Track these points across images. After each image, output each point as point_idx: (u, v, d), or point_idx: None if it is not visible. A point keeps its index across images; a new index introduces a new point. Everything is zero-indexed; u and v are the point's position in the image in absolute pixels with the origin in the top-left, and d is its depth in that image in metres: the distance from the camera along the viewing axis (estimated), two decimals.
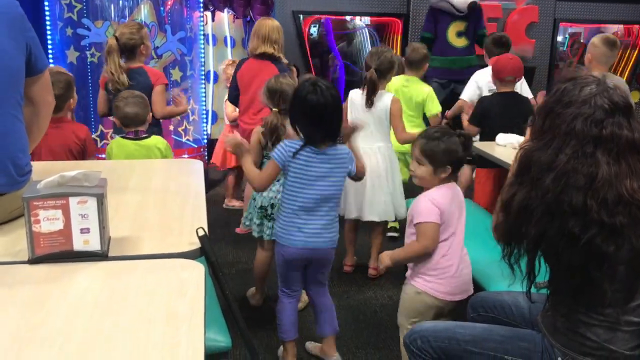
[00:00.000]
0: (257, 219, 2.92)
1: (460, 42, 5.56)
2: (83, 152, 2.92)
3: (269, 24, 3.71)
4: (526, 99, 3.91)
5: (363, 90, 3.36)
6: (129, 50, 3.45)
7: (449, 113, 4.38)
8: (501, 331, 1.81)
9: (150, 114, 3.02)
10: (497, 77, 3.75)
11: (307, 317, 2.95)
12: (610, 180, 1.42)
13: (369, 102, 3.32)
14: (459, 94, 5.24)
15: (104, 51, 3.51)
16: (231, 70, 4.54)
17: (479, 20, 5.68)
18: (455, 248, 2.32)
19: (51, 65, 3.83)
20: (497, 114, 3.65)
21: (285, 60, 3.84)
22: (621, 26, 7.36)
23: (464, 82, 5.29)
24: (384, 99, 3.36)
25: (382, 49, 3.39)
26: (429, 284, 2.30)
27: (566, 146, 1.45)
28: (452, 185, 2.34)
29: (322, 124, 2.28)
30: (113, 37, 3.44)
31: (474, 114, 3.78)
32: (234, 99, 3.97)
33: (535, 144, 1.53)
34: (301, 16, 6.45)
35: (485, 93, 4.15)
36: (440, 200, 2.26)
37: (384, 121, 3.39)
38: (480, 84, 4.21)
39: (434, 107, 3.87)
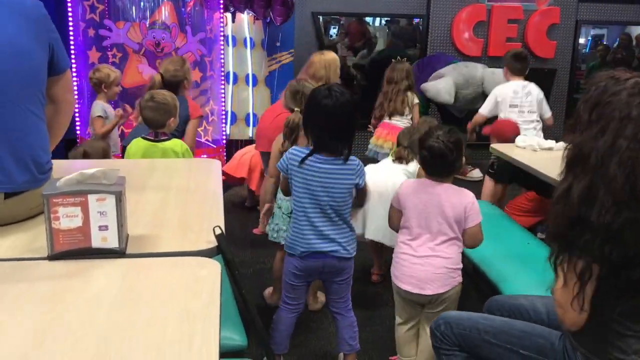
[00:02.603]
0: (284, 225, 2.89)
1: None
2: None
3: (317, 61, 3.67)
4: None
5: None
6: (173, 86, 3.57)
7: (469, 133, 4.47)
8: (520, 326, 1.83)
9: (172, 119, 3.05)
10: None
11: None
12: None
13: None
14: None
15: (147, 85, 3.63)
16: None
17: None
18: (413, 238, 2.39)
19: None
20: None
21: None
22: None
23: None
24: None
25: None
26: (392, 266, 2.49)
27: (624, 130, 1.41)
28: (422, 181, 2.44)
29: (334, 130, 2.24)
30: (159, 74, 3.58)
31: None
32: None
33: (586, 135, 1.47)
34: (321, 17, 6.47)
35: (504, 108, 4.17)
36: (403, 186, 2.47)
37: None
38: (499, 99, 4.24)
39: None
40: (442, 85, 5.34)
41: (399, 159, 3.20)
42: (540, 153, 3.30)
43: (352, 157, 2.32)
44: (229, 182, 4.88)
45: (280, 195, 2.88)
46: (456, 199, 2.35)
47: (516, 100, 4.16)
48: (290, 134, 2.73)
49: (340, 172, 2.28)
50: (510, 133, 3.77)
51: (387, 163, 3.29)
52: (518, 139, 3.48)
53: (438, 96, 5.35)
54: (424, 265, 2.33)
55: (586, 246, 1.45)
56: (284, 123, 2.78)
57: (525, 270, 2.78)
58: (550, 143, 3.36)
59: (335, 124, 2.24)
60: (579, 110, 1.53)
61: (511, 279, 2.76)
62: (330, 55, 3.69)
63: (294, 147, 2.37)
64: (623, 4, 6.88)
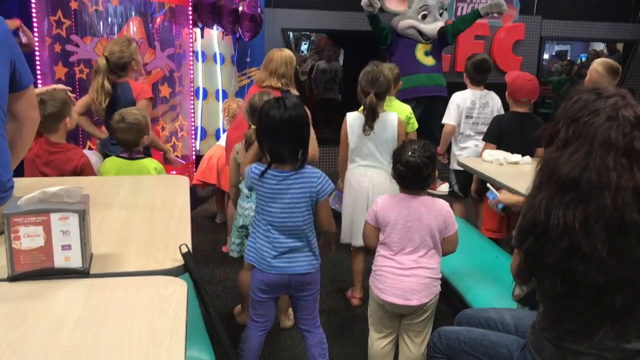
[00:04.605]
0: (238, 239, 2.89)
1: (429, 61, 5.56)
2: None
3: (277, 57, 3.63)
4: (540, 120, 3.79)
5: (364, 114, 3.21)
6: (120, 68, 3.44)
7: (441, 148, 4.23)
8: (492, 337, 1.90)
9: (146, 136, 2.99)
10: (512, 97, 3.69)
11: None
12: None
13: (369, 127, 3.20)
14: (432, 116, 5.27)
15: (92, 69, 3.49)
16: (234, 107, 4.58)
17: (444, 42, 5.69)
18: (395, 253, 2.39)
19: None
20: (514, 134, 3.62)
21: (295, 92, 3.77)
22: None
23: (434, 100, 5.35)
24: (389, 120, 3.25)
25: (376, 70, 3.21)
26: (371, 279, 2.47)
27: (608, 158, 1.39)
28: (398, 196, 2.44)
29: (284, 141, 2.23)
30: (103, 57, 3.42)
31: (490, 132, 3.73)
32: None
33: (566, 155, 1.45)
34: (290, 33, 6.51)
35: (464, 115, 4.10)
36: (379, 204, 2.44)
37: (390, 143, 3.21)
38: (461, 106, 4.10)
39: (414, 125, 3.85)
40: None
41: (371, 110, 3.15)
42: (507, 167, 3.35)
43: (314, 169, 2.30)
44: (203, 188, 4.90)
45: (238, 207, 2.87)
46: (436, 210, 2.38)
47: (472, 111, 4.09)
48: (248, 150, 2.72)
49: (297, 183, 2.25)
50: (522, 95, 3.64)
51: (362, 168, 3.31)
52: (485, 154, 3.51)
53: None
54: (409, 277, 2.35)
55: (564, 267, 1.44)
56: (243, 139, 2.77)
57: (494, 283, 2.81)
58: (517, 157, 3.41)
59: (285, 135, 2.22)
60: (557, 120, 1.52)
61: (480, 291, 2.79)
62: (289, 52, 3.68)
63: (254, 164, 2.35)
64: (585, 21, 7.09)
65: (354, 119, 3.30)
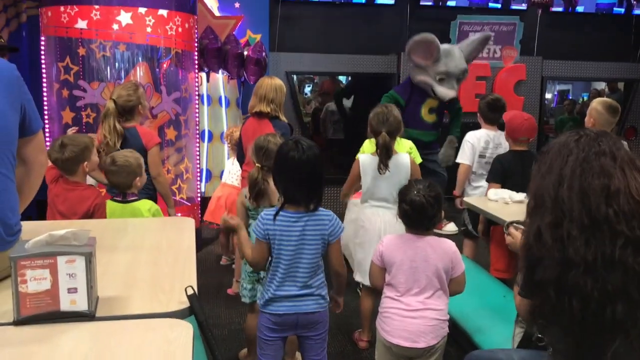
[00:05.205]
0: (249, 284, 2.87)
1: (430, 118, 5.61)
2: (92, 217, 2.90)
3: (267, 84, 3.72)
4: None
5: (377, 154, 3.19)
6: (127, 112, 3.51)
7: (457, 189, 4.27)
8: None
9: (138, 178, 3.01)
10: (511, 136, 3.74)
11: None
12: (625, 190, 1.40)
13: (384, 165, 3.18)
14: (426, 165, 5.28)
15: (101, 113, 3.55)
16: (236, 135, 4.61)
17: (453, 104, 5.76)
18: (401, 294, 2.37)
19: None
20: (516, 172, 3.62)
21: (284, 119, 3.85)
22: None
23: (429, 154, 5.43)
24: (402, 162, 3.24)
25: (386, 111, 3.24)
26: (378, 321, 2.44)
27: (566, 161, 1.46)
28: (404, 236, 2.44)
29: (301, 182, 2.25)
30: (111, 101, 3.49)
31: (494, 172, 3.75)
32: (239, 152, 4.01)
33: (537, 179, 1.54)
34: (295, 76, 6.61)
35: (477, 154, 4.13)
36: (385, 243, 2.44)
37: (404, 182, 3.11)
38: (475, 146, 4.15)
39: (417, 159, 3.84)
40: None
41: (385, 148, 3.13)
42: (512, 206, 3.35)
43: (327, 211, 2.31)
44: (213, 228, 4.99)
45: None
46: (442, 250, 2.37)
47: (486, 151, 4.13)
48: (252, 189, 2.73)
49: (309, 224, 2.26)
50: (520, 134, 3.68)
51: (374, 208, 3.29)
52: (490, 192, 3.52)
53: None
54: (416, 319, 2.33)
55: (565, 284, 1.43)
56: (247, 178, 2.79)
57: (502, 324, 2.77)
58: (521, 196, 3.42)
59: (302, 176, 2.25)
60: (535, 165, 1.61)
61: (488, 332, 2.76)
62: (279, 80, 3.75)
63: (264, 211, 2.35)
64: (585, 61, 7.18)
65: (368, 161, 3.26)
